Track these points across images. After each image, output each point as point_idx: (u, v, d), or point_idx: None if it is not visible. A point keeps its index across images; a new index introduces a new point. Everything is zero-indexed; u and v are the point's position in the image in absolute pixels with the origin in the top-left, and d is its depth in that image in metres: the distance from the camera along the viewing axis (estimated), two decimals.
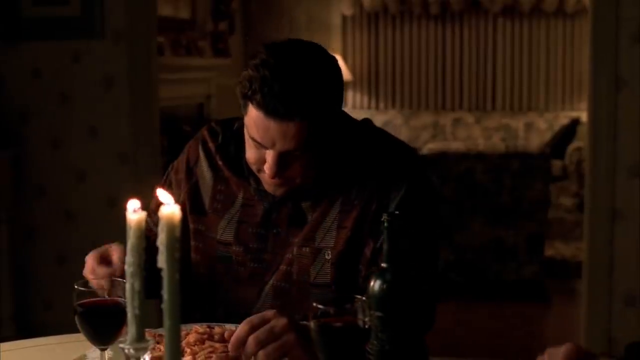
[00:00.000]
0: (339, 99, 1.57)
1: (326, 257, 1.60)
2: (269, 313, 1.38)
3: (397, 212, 1.22)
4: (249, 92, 1.49)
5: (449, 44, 7.40)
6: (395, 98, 7.52)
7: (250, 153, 1.57)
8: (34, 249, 3.82)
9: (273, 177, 1.54)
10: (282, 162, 1.52)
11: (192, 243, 1.71)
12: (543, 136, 7.07)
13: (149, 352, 1.07)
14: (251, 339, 1.34)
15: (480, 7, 7.32)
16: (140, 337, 1.05)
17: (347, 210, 1.60)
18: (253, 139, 1.53)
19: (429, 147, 4.76)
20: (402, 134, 7.28)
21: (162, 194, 1.03)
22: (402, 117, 7.45)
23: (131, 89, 3.69)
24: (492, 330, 4.25)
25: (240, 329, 1.36)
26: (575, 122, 6.78)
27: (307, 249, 1.61)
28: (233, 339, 1.36)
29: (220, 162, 1.70)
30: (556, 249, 5.39)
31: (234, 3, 7.00)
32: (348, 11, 7.47)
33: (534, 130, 7.22)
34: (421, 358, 1.57)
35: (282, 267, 1.63)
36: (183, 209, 1.65)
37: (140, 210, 1.07)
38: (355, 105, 7.58)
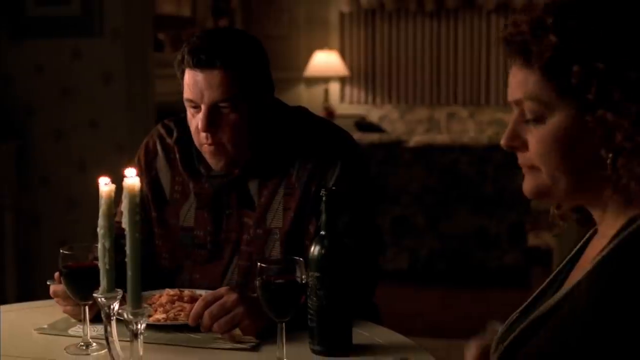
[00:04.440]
0: (262, 58, 1.75)
1: (275, 236, 1.76)
2: (222, 290, 1.57)
3: (333, 187, 1.42)
4: (181, 59, 1.71)
5: (443, 40, 7.53)
6: (391, 93, 7.64)
7: (192, 124, 1.75)
8: (37, 236, 3.93)
9: (204, 130, 1.70)
10: (212, 116, 1.69)
11: (155, 230, 1.86)
12: None
13: (117, 300, 1.27)
14: (206, 314, 1.53)
15: (475, 4, 7.44)
16: (110, 288, 1.26)
17: (290, 193, 1.76)
18: (187, 100, 1.72)
19: (415, 139, 4.89)
20: (398, 128, 7.41)
21: (128, 170, 1.24)
22: (398, 112, 7.56)
23: (128, 84, 3.80)
24: (475, 314, 4.38)
25: (197, 305, 1.55)
26: None
27: (261, 231, 1.78)
28: (192, 313, 1.55)
29: (177, 156, 1.86)
30: (542, 239, 5.54)
31: (234, 0, 7.18)
32: (345, 8, 7.61)
33: None
34: (372, 319, 1.72)
35: (243, 247, 1.79)
36: (146, 200, 1.84)
37: (110, 184, 1.28)
38: (352, 100, 7.70)
